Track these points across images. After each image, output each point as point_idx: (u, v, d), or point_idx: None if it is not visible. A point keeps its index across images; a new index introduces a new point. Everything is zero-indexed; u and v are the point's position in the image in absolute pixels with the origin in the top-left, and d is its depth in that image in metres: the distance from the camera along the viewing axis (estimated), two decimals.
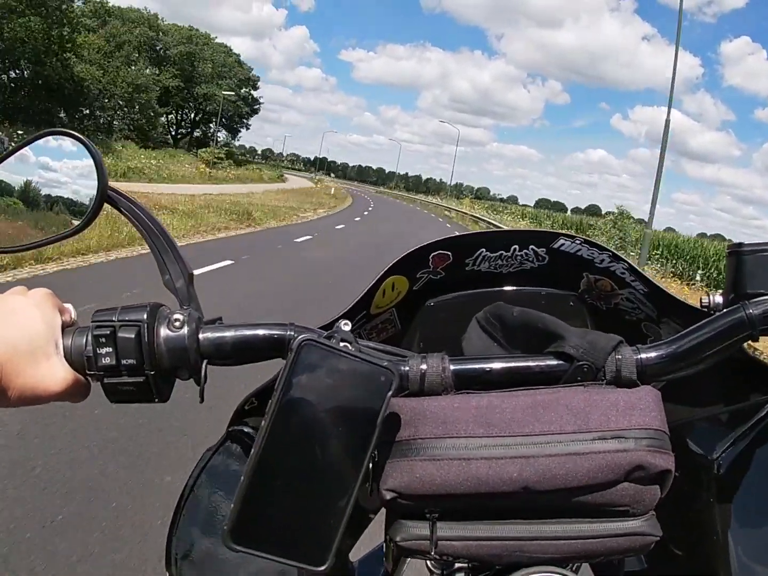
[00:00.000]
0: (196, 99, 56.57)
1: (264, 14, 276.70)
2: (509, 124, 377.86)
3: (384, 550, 0.59)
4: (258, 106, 68.08)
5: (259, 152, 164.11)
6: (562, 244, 0.65)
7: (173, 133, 61.45)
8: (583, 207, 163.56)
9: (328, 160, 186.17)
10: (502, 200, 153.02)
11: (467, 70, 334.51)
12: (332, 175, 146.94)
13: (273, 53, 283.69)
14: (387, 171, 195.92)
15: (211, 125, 61.82)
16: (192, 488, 0.60)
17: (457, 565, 0.53)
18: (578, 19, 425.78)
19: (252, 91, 65.67)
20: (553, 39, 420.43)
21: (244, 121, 66.59)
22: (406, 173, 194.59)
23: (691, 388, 0.63)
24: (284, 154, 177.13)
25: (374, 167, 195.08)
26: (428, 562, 0.55)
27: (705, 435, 0.65)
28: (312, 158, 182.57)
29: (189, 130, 63.29)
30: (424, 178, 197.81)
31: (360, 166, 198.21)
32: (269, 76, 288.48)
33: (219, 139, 61.13)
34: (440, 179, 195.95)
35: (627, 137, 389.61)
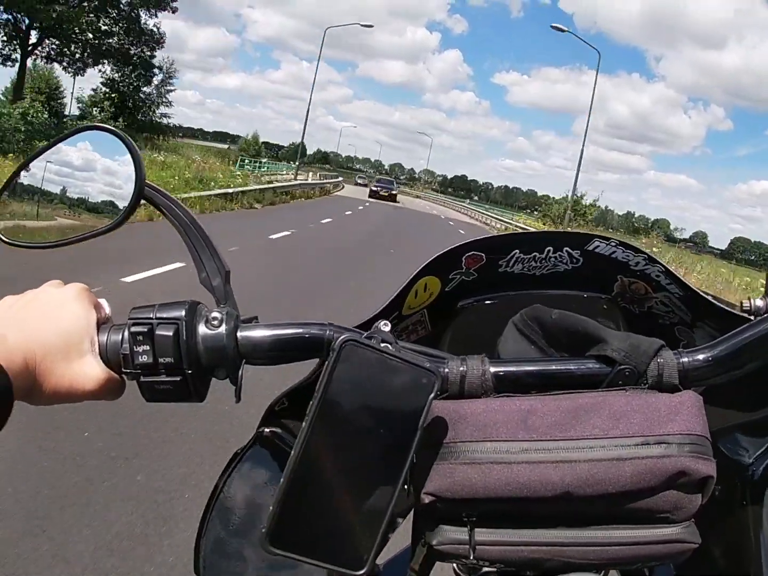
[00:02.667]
0: None
1: (418, 38, 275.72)
2: (668, 151, 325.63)
3: (411, 553, 0.58)
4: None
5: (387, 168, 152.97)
6: (597, 246, 0.63)
7: None
8: None
9: (469, 178, 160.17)
10: (692, 241, 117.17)
11: (625, 94, 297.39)
12: (472, 196, 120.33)
13: (427, 77, 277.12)
14: (539, 194, 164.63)
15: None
16: (221, 490, 0.58)
17: (484, 569, 0.52)
18: (742, 38, 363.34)
19: None
20: (715, 60, 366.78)
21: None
22: (565, 197, 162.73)
23: (726, 393, 0.62)
24: (416, 171, 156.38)
25: (524, 189, 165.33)
26: (455, 565, 0.54)
27: (739, 440, 0.64)
28: (450, 177, 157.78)
29: None
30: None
31: (507, 187, 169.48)
32: (423, 99, 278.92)
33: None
34: (606, 207, 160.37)
35: None
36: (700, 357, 0.51)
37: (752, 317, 0.55)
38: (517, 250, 0.64)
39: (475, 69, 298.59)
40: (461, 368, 0.51)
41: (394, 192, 44.53)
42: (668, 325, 0.68)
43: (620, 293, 0.68)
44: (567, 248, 0.64)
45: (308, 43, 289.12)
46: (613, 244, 0.63)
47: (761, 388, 0.60)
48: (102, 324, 0.51)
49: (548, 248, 0.64)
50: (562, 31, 30.87)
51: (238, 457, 0.60)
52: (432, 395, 0.44)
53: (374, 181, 51.91)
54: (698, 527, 0.51)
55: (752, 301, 0.58)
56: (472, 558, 0.47)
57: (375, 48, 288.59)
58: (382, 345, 0.45)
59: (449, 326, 0.70)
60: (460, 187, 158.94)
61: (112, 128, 0.55)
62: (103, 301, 0.53)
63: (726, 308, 0.60)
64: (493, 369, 0.51)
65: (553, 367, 0.52)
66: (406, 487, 0.46)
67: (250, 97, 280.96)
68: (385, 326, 0.48)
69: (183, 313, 0.49)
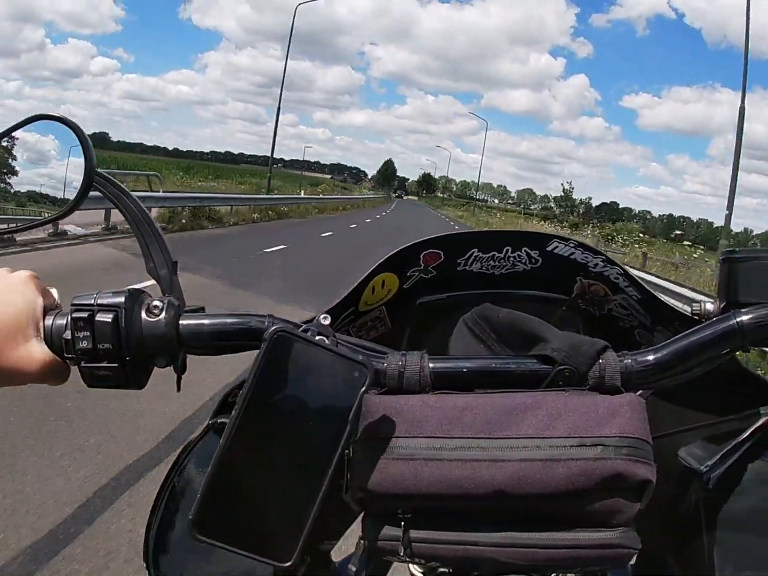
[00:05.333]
0: None
1: (542, 65, 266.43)
2: None
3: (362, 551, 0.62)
4: None
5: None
6: (556, 247, 0.63)
7: None
8: None
9: (620, 206, 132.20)
10: None
11: (762, 111, 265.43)
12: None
13: (553, 104, 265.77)
14: (714, 225, 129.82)
15: None
16: (172, 480, 0.59)
17: (440, 570, 0.52)
18: None
19: None
20: None
21: None
22: (737, 230, 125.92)
23: (684, 397, 0.63)
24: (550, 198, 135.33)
25: (693, 218, 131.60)
26: (410, 566, 0.54)
27: (696, 446, 0.63)
28: (596, 204, 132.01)
29: None
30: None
31: (671, 216, 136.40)
32: (550, 128, 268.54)
33: None
34: None
35: None
36: (644, 359, 0.51)
37: (703, 320, 0.55)
38: (476, 249, 0.64)
39: (602, 93, 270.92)
40: (400, 363, 0.50)
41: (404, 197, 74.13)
42: (628, 328, 0.68)
43: (580, 294, 0.68)
44: (526, 248, 0.64)
45: (433, 77, 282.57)
46: (572, 245, 0.62)
47: (718, 392, 0.61)
48: (49, 310, 0.52)
49: (507, 248, 0.64)
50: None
51: (189, 448, 0.60)
52: (363, 389, 0.44)
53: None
54: (653, 533, 0.52)
55: (702, 304, 0.58)
56: (403, 555, 0.47)
57: (498, 77, 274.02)
58: (318, 338, 0.45)
59: (408, 323, 0.70)
60: (608, 217, 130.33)
61: (63, 116, 0.55)
62: (52, 289, 0.54)
63: (681, 311, 0.60)
64: (432, 365, 0.51)
65: (493, 366, 0.52)
66: (344, 483, 0.47)
67: (377, 132, 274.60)
68: (324, 319, 0.48)
69: (123, 300, 0.49)
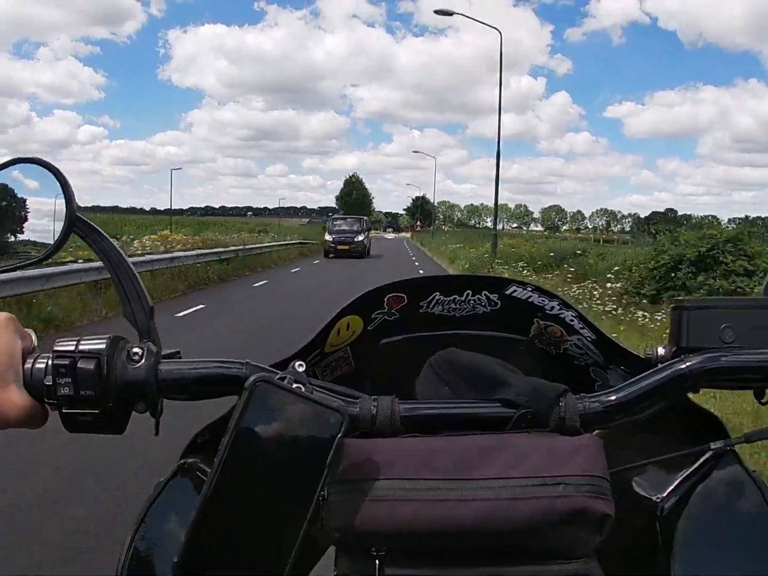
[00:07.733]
0: None
1: (523, 86, 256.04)
2: None
3: None
4: None
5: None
6: (514, 291, 0.67)
7: None
8: None
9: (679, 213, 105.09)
10: None
11: (746, 104, 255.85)
12: None
13: (538, 124, 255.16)
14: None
15: None
16: (143, 521, 0.59)
17: None
18: None
19: None
20: None
21: None
22: None
23: (640, 432, 0.66)
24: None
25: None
26: None
27: (650, 479, 0.67)
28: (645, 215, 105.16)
29: None
30: None
31: (746, 218, 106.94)
32: (539, 148, 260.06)
33: None
34: None
35: None
36: (601, 402, 0.54)
37: (655, 364, 0.59)
38: (438, 293, 0.67)
39: (586, 107, 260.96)
40: (372, 408, 0.53)
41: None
42: (584, 366, 0.71)
43: (537, 335, 0.72)
44: (485, 292, 0.67)
45: (416, 112, 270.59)
46: (530, 289, 0.66)
47: (672, 427, 0.65)
48: (28, 354, 0.52)
49: (467, 291, 0.67)
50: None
51: (159, 489, 0.61)
52: (339, 435, 0.46)
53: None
54: (614, 565, 0.56)
55: (655, 349, 0.62)
56: None
57: (481, 105, 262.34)
58: (294, 385, 0.47)
59: (372, 363, 0.73)
60: (664, 227, 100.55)
61: (44, 160, 0.56)
62: (29, 332, 0.54)
63: (634, 353, 0.65)
64: (402, 409, 0.53)
65: (460, 410, 0.55)
66: (319, 522, 0.48)
67: (368, 173, 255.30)
68: (299, 367, 0.50)
69: (104, 347, 0.50)
